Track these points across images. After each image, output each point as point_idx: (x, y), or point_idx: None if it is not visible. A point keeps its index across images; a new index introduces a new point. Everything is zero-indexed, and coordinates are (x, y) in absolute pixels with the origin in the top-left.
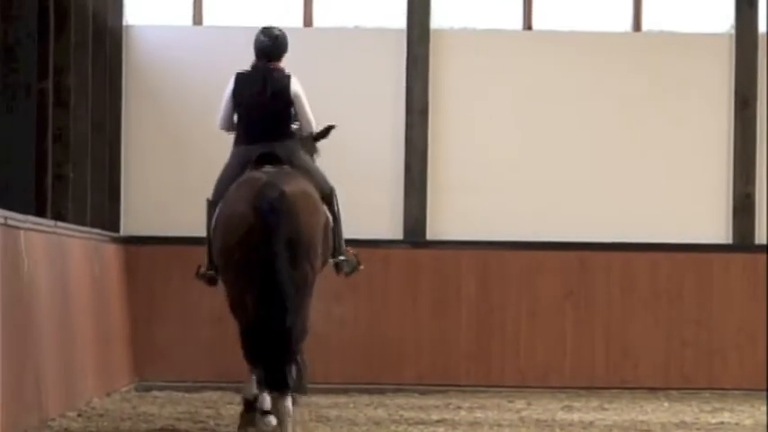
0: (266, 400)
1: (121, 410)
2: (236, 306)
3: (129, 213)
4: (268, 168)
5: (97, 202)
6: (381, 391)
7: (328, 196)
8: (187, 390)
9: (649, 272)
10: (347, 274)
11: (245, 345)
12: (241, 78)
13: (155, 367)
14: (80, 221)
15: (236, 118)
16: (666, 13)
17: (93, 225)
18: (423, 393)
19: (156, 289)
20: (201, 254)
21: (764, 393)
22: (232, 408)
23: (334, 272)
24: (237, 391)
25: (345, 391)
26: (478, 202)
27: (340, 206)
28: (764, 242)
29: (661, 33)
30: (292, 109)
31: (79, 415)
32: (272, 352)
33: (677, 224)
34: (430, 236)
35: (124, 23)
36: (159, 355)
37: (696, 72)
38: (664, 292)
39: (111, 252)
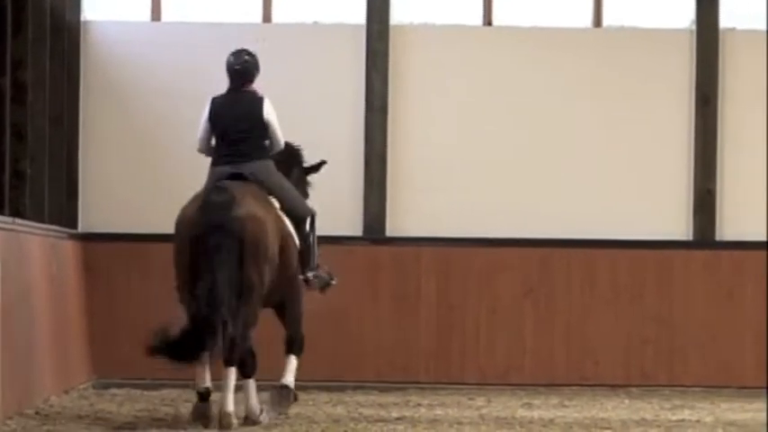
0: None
1: (79, 408)
2: (188, 308)
3: (88, 210)
4: (230, 182)
5: (55, 198)
6: (341, 389)
7: (304, 217)
8: (146, 387)
9: (610, 269)
10: (320, 290)
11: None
12: (216, 102)
13: (113, 365)
14: (38, 218)
15: (212, 141)
16: (627, 8)
17: (51, 222)
18: (382, 391)
19: (114, 286)
20: (160, 251)
21: (725, 391)
22: (191, 405)
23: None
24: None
25: (305, 389)
26: (438, 198)
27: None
28: (725, 239)
29: (621, 29)
30: (267, 131)
31: (37, 413)
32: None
33: (638, 221)
34: (390, 232)
35: (82, 19)
36: (117, 353)
37: (657, 68)
38: (624, 289)
39: (70, 249)
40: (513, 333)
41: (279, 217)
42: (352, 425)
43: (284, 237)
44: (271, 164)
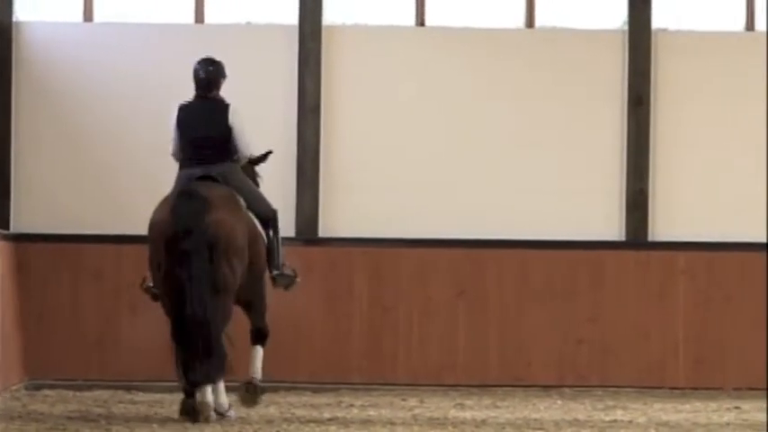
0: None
1: (12, 409)
2: (167, 310)
3: (20, 211)
4: (199, 183)
5: None
6: (274, 389)
7: (267, 216)
8: (78, 388)
9: (543, 269)
10: (285, 288)
11: (176, 342)
12: (183, 110)
13: (45, 366)
14: None
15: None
16: (559, 8)
17: None
18: (315, 391)
19: (46, 287)
20: (93, 252)
21: (657, 391)
22: (123, 406)
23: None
24: (128, 389)
25: (237, 390)
26: (371, 199)
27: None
28: (657, 239)
29: (554, 29)
30: (232, 137)
31: None
32: (191, 349)
33: (570, 221)
34: (322, 233)
35: (14, 19)
36: (50, 354)
37: (590, 68)
38: (557, 289)
39: (2, 249)
40: (445, 334)
41: (248, 216)
42: (284, 425)
43: (253, 236)
44: (236, 166)
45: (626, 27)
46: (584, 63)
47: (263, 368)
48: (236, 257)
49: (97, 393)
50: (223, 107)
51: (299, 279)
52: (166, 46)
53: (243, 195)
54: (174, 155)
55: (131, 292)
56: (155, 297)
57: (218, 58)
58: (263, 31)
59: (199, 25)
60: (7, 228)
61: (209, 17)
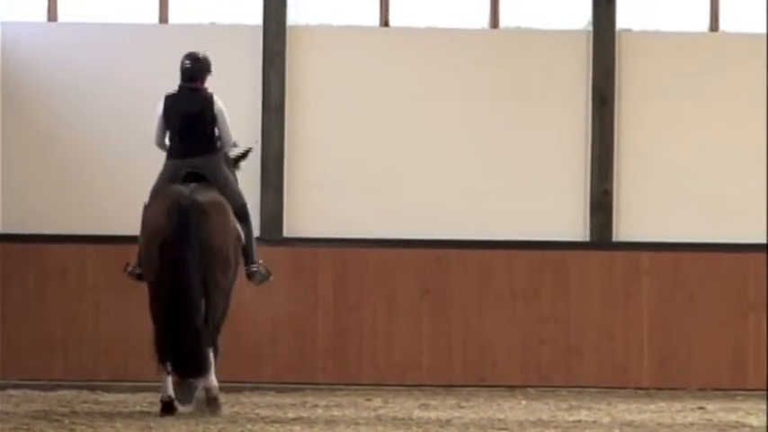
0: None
1: None
2: (154, 310)
3: None
4: (189, 185)
5: None
6: (238, 390)
7: (241, 210)
8: (42, 388)
9: (506, 269)
10: (258, 283)
11: (158, 346)
12: (169, 99)
13: (10, 365)
14: None
15: (167, 135)
16: (524, 9)
17: None
18: (279, 391)
19: (10, 287)
20: (57, 252)
21: (621, 391)
22: (87, 406)
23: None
24: (92, 389)
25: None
26: (335, 199)
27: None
28: (621, 239)
29: (518, 30)
30: (216, 125)
31: None
32: (182, 345)
33: (535, 222)
34: (287, 233)
35: None
36: (14, 354)
37: (554, 69)
38: (521, 289)
39: None
40: (409, 333)
41: (233, 221)
42: (249, 426)
43: (237, 240)
44: (219, 158)
45: (590, 27)
46: (549, 63)
47: (226, 368)
48: (227, 264)
49: (61, 393)
50: (207, 97)
51: (272, 277)
52: (131, 46)
53: (222, 190)
54: (158, 143)
55: (96, 292)
56: (139, 278)
57: (201, 55)
58: (228, 31)
59: (163, 25)
60: None
61: (174, 17)
